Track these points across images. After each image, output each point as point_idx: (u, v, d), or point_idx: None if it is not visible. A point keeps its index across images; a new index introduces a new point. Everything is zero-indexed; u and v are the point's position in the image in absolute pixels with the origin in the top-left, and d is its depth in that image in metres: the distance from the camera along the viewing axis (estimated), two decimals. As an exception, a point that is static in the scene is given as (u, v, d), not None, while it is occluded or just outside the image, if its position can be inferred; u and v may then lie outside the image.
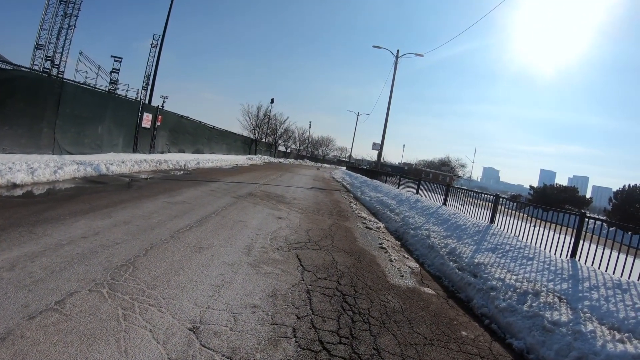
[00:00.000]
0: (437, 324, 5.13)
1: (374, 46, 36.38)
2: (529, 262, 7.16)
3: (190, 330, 3.76)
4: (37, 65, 48.75)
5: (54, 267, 4.74)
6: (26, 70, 15.80)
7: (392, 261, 8.09)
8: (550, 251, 7.51)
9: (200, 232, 7.62)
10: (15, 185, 9.69)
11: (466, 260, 7.91)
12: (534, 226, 8.34)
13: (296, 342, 3.93)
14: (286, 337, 3.98)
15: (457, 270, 7.62)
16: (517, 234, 8.90)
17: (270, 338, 3.91)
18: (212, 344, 3.58)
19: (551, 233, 7.91)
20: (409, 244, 10.15)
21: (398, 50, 34.32)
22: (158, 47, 27.12)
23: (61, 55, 52.95)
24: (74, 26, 53.77)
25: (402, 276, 7.18)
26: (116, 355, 3.16)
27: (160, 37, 26.98)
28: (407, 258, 8.76)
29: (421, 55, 35.29)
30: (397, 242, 10.37)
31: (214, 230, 7.93)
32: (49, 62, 50.56)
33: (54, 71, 48.72)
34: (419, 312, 5.47)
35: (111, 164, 15.21)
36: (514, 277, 6.66)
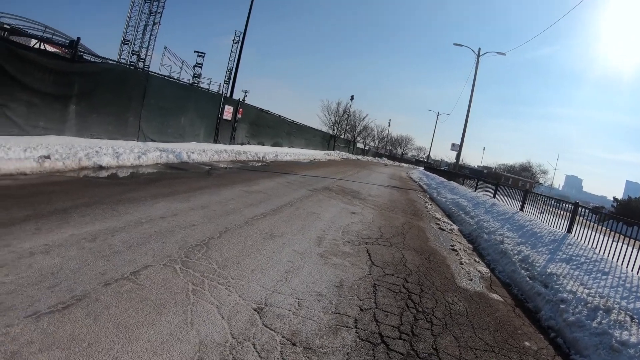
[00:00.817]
0: (501, 332, 4.93)
1: (455, 44, 35.63)
2: (604, 277, 6.73)
3: (254, 310, 3.88)
4: (124, 59, 51.91)
5: (132, 242, 5.07)
6: (114, 63, 16.85)
7: (462, 264, 7.87)
8: (627, 267, 7.01)
9: (274, 220, 7.83)
10: (101, 167, 10.39)
11: (538, 269, 7.54)
12: (615, 241, 7.83)
13: (356, 332, 3.94)
14: (347, 327, 4.00)
15: (527, 279, 7.28)
16: (594, 246, 8.37)
17: (331, 326, 3.95)
18: (274, 325, 3.68)
19: (630, 249, 7.39)
20: (481, 248, 9.85)
21: (479, 49, 33.25)
22: (239, 43, 28.04)
23: (147, 50, 56.25)
24: (159, 23, 56.98)
25: (471, 280, 6.96)
26: (182, 325, 3.33)
27: (242, 33, 27.82)
28: (478, 262, 8.49)
29: (503, 54, 33.91)
30: (469, 245, 10.07)
31: (287, 220, 8.11)
32: (135, 57, 53.83)
33: (140, 65, 51.63)
34: (483, 318, 5.28)
35: (192, 152, 15.89)
36: (586, 290, 6.26)
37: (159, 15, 57.15)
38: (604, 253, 7.85)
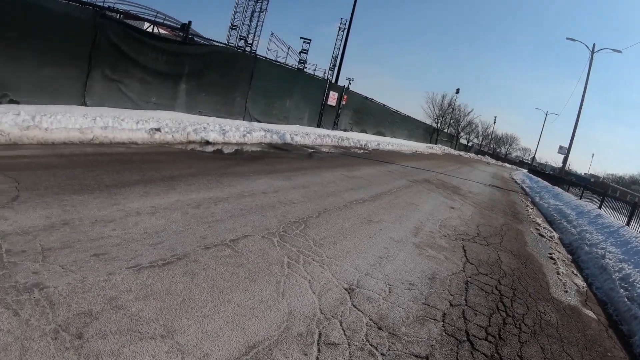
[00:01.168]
0: (590, 351, 4.51)
1: (568, 38, 32.89)
2: None
3: (345, 290, 3.85)
4: (232, 43, 54.30)
5: (234, 212, 5.26)
6: (222, 45, 17.66)
7: (559, 274, 7.32)
8: None
9: (372, 206, 7.77)
10: (207, 142, 10.91)
11: (639, 290, 6.87)
12: None
13: (443, 326, 3.77)
14: (434, 320, 3.85)
15: (626, 300, 6.56)
16: None
17: (419, 316, 3.83)
18: (363, 307, 3.63)
19: None
20: (581, 261, 9.14)
21: (594, 45, 30.64)
22: (345, 31, 28.31)
23: (254, 36, 58.79)
24: (266, 9, 59.17)
25: (566, 292, 6.44)
26: (274, 295, 3.38)
27: (348, 22, 27.96)
28: (576, 275, 7.84)
29: (619, 52, 30.72)
30: (568, 255, 9.36)
31: (386, 208, 8.01)
32: (242, 42, 56.22)
33: (248, 49, 53.70)
34: (574, 333, 4.87)
35: (296, 135, 16.21)
36: None
37: (266, 2, 59.25)
38: None
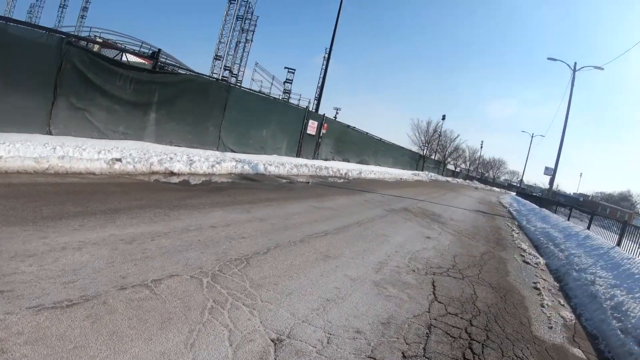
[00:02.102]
0: None
1: (549, 58, 33.39)
2: None
3: (272, 340, 3.41)
4: (216, 73, 55.10)
5: (170, 249, 4.88)
6: (194, 74, 17.56)
7: (543, 307, 6.80)
8: None
9: (334, 240, 7.36)
10: (172, 173, 10.59)
11: (633, 320, 6.23)
12: None
13: None
14: (377, 380, 3.39)
15: (619, 332, 6.01)
16: None
17: (358, 376, 3.36)
18: None
19: None
20: (569, 288, 8.66)
21: (575, 63, 31.36)
22: (326, 60, 28.56)
23: (239, 66, 59.90)
24: (251, 40, 60.72)
25: (551, 328, 5.90)
26: (180, 346, 2.99)
27: (328, 51, 28.23)
28: (563, 305, 7.32)
29: (601, 69, 31.41)
30: (555, 283, 8.89)
31: (349, 241, 7.60)
32: (227, 72, 56.88)
33: (233, 80, 54.47)
34: None
35: (270, 165, 15.91)
36: None
37: (251, 32, 60.53)
38: None
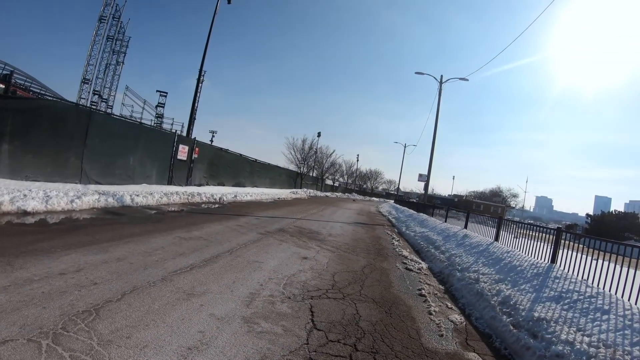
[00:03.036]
0: None
1: (417, 72, 35.91)
2: (604, 317, 5.80)
3: None
4: (85, 98, 52.01)
5: (7, 307, 4.31)
6: (51, 99, 16.42)
7: (431, 314, 6.84)
8: (629, 300, 6.20)
9: (200, 274, 6.97)
10: (26, 213, 9.68)
11: (523, 313, 6.58)
12: (595, 259, 7.17)
13: None
14: None
15: (511, 327, 6.29)
16: (584, 276, 7.53)
17: None
18: None
19: (619, 268, 6.68)
20: (454, 289, 8.93)
21: (442, 76, 34.27)
22: (196, 82, 28.07)
23: (109, 90, 57.35)
24: (122, 62, 58.26)
25: (442, 335, 5.90)
26: None
27: (199, 72, 27.90)
28: (451, 308, 7.51)
29: (466, 80, 34.80)
30: (440, 286, 9.18)
31: (218, 273, 7.26)
32: (96, 96, 53.88)
33: (102, 105, 51.75)
34: None
35: (137, 195, 15.12)
36: (587, 339, 5.34)
37: (123, 54, 57.95)
38: (598, 284, 7.04)
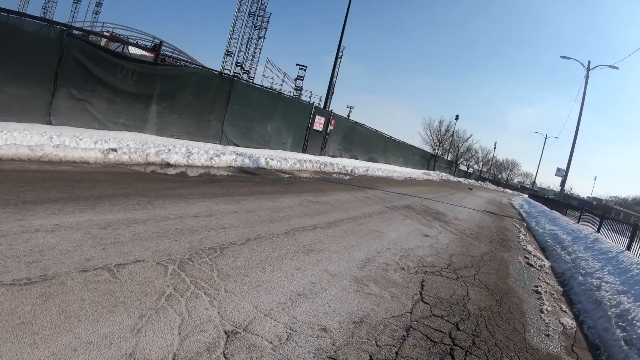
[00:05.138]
0: None
1: (562, 57, 33.35)
2: None
3: (225, 332, 3.26)
4: (227, 69, 55.50)
5: (143, 235, 4.87)
6: (196, 67, 17.61)
7: (542, 312, 6.34)
8: None
9: (322, 234, 7.21)
10: (169, 165, 10.63)
11: (639, 330, 5.84)
12: None
13: None
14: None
15: (622, 343, 5.58)
16: None
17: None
18: (235, 358, 3.00)
19: None
20: (573, 293, 8.23)
21: (589, 62, 31.48)
22: (335, 57, 28.56)
23: (251, 63, 60.18)
24: (264, 37, 60.96)
25: (548, 336, 5.42)
26: (125, 330, 2.94)
27: (337, 46, 28.23)
28: (565, 311, 6.85)
29: (616, 68, 31.16)
30: (559, 288, 8.46)
31: (339, 235, 7.44)
32: (239, 68, 57.13)
33: (244, 76, 54.80)
34: None
35: (272, 159, 15.89)
36: None
37: (264, 29, 60.75)
38: None
